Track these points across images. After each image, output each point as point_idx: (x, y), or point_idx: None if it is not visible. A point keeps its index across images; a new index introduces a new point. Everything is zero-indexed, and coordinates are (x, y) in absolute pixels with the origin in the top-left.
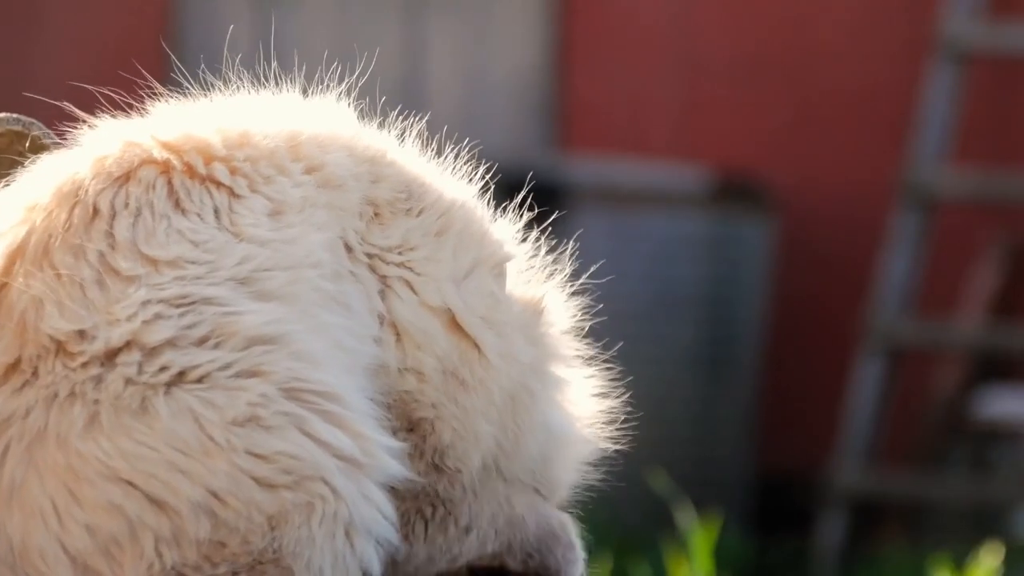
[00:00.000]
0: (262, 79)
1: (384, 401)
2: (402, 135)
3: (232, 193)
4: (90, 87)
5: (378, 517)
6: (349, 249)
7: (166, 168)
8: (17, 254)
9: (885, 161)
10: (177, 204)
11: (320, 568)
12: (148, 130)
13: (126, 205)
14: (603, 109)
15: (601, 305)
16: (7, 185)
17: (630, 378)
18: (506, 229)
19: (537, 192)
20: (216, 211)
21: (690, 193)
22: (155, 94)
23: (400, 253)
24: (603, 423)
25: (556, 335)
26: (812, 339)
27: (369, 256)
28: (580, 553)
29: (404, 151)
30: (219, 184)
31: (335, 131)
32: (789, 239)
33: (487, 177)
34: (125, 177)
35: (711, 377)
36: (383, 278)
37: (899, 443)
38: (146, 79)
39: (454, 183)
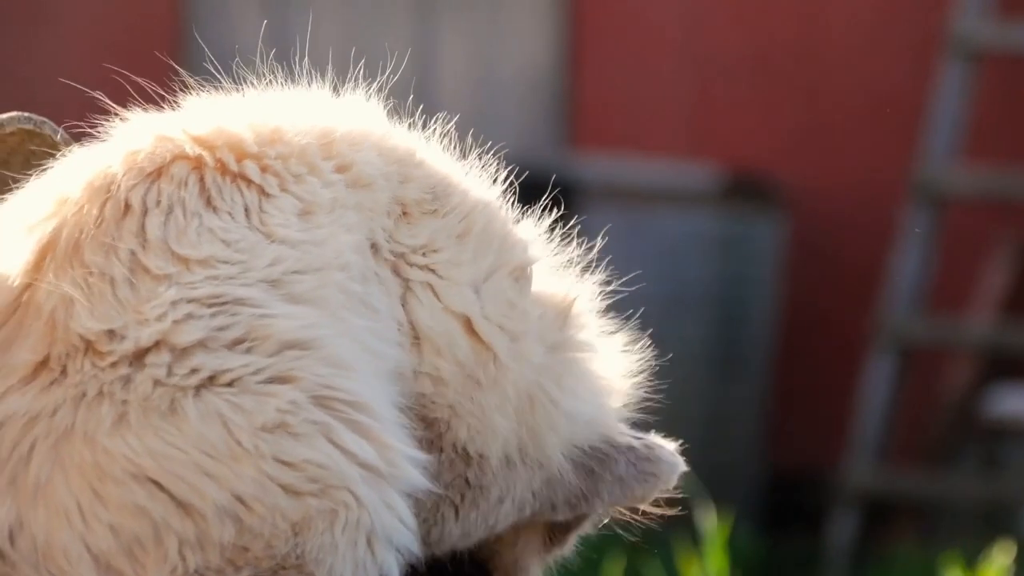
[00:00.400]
0: (273, 78)
1: (403, 403)
2: (424, 135)
3: (263, 192)
4: (99, 91)
5: (399, 526)
6: (376, 250)
7: (198, 164)
8: (47, 250)
9: (896, 160)
10: (209, 202)
11: (341, 575)
12: (180, 124)
13: (158, 202)
14: (614, 108)
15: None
16: (18, 185)
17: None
18: (528, 230)
19: (548, 191)
20: (247, 210)
21: (701, 192)
22: (171, 91)
23: (425, 255)
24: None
25: (584, 336)
26: (823, 338)
27: (395, 255)
28: (647, 448)
29: (431, 151)
30: (250, 182)
31: (366, 129)
32: (800, 237)
33: (505, 177)
34: (157, 173)
35: (722, 376)
36: (406, 281)
37: (910, 442)
38: (157, 78)
39: (477, 184)
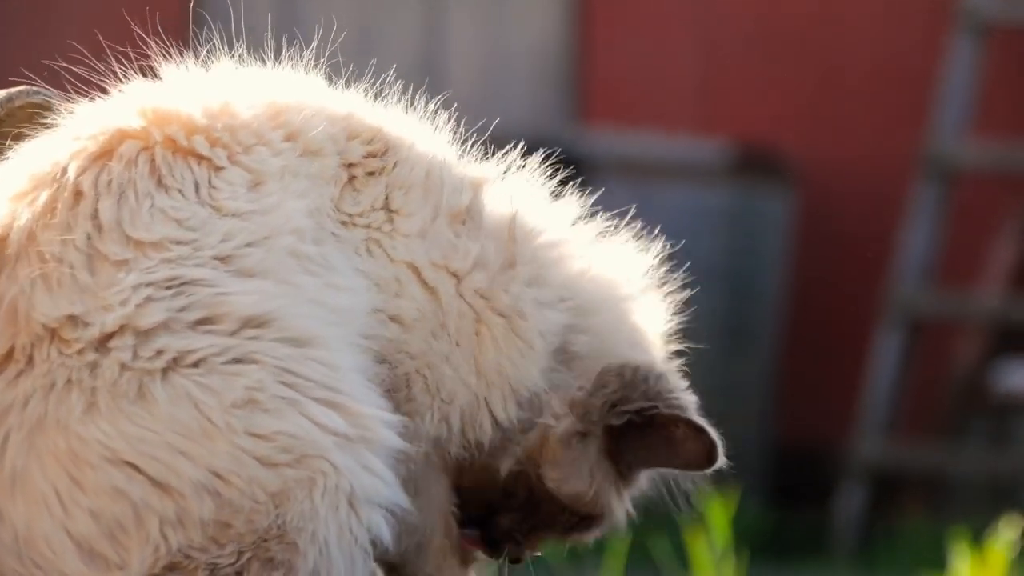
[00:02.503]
0: (282, 56)
1: (372, 365)
2: (424, 110)
3: (212, 165)
4: (104, 68)
5: (380, 485)
6: (329, 212)
7: (147, 142)
8: (3, 242)
9: (905, 134)
10: (160, 182)
11: (325, 539)
12: (126, 105)
13: (108, 184)
14: (623, 82)
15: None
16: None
17: None
18: (472, 169)
19: (558, 165)
20: (196, 186)
21: (710, 166)
22: (171, 55)
23: (374, 210)
24: None
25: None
26: (832, 312)
27: (347, 215)
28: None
29: (374, 109)
30: (200, 157)
31: (312, 96)
32: (809, 212)
33: (516, 151)
34: (106, 154)
35: (731, 350)
36: (361, 238)
37: (919, 416)
38: (163, 58)
39: (424, 132)
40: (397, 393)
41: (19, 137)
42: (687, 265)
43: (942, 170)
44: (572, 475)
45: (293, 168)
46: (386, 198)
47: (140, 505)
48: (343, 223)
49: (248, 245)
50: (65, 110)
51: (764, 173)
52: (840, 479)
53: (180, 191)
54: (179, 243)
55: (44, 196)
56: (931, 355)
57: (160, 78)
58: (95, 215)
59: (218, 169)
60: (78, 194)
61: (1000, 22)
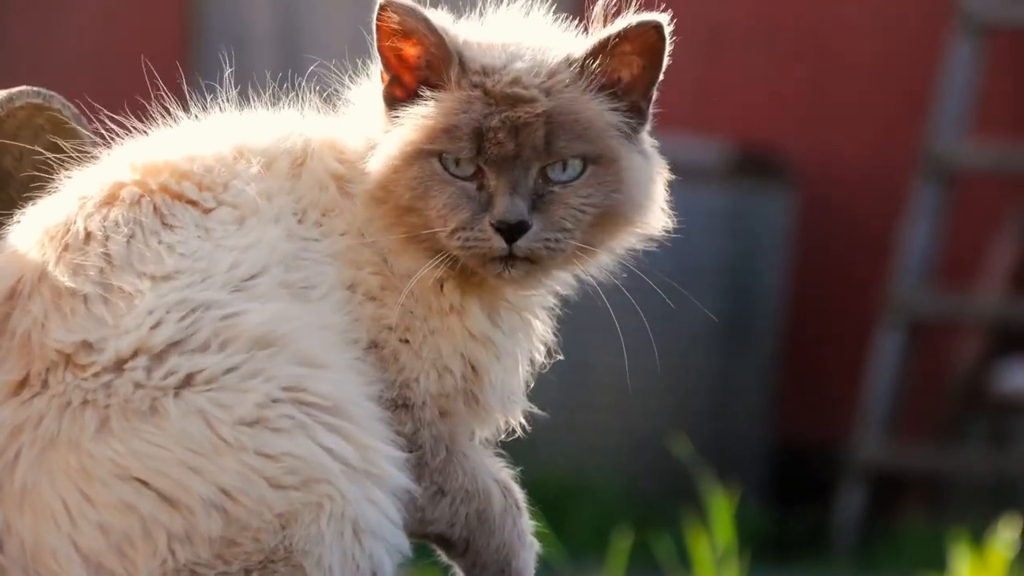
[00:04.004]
0: (281, 65)
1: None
2: None
3: (202, 208)
4: (108, 70)
5: (384, 521)
6: (298, 217)
7: (144, 189)
8: (15, 286)
9: (905, 134)
10: (164, 221)
11: (329, 566)
12: (120, 162)
13: (116, 225)
14: None
15: (624, 276)
16: (27, 158)
17: (651, 350)
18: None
19: None
20: (196, 225)
21: (710, 166)
22: (178, 75)
23: (311, 192)
24: None
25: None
26: (832, 311)
27: (303, 210)
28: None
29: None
30: (191, 201)
31: (261, 122)
32: (809, 211)
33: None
34: (110, 201)
35: (731, 350)
36: (316, 224)
37: (919, 416)
38: (166, 61)
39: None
40: (389, 367)
41: (16, 138)
42: (687, 265)
43: (942, 170)
44: None
45: (265, 190)
46: (309, 194)
47: (149, 520)
48: (300, 222)
49: (253, 277)
50: (68, 114)
51: (764, 174)
52: (840, 479)
53: (183, 228)
54: (189, 272)
55: (54, 242)
56: (931, 355)
57: (151, 126)
58: (106, 252)
59: (207, 211)
60: (88, 236)
61: (999, 22)
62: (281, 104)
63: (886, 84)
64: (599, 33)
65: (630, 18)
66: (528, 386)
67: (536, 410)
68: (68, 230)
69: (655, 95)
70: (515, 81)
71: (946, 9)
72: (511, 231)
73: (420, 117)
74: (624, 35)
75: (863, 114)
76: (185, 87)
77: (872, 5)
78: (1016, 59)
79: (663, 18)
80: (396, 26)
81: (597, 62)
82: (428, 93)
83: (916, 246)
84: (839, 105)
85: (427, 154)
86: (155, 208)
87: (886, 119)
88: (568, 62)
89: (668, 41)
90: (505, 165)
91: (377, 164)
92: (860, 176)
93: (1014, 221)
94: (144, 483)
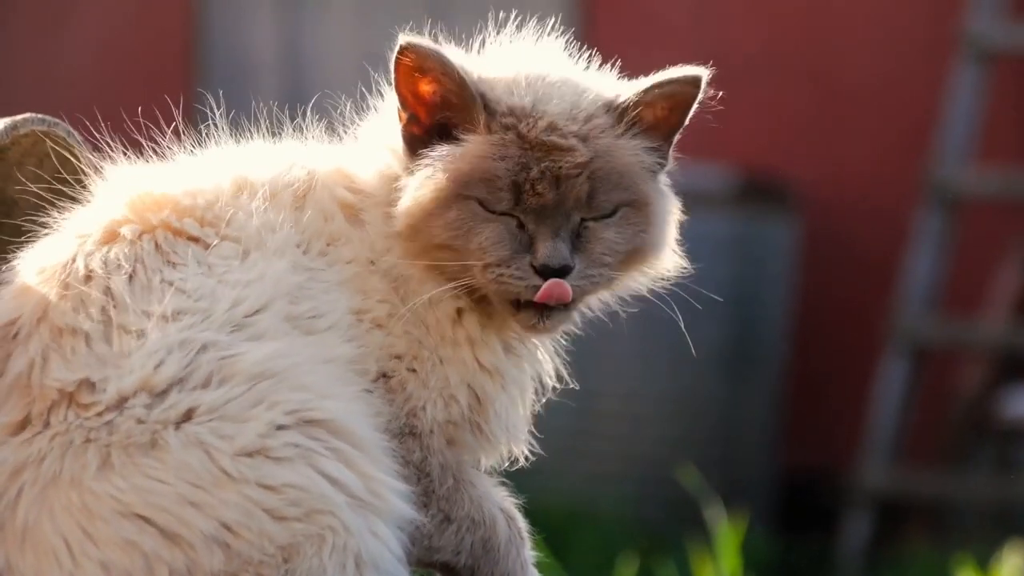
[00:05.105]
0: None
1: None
2: None
3: (204, 244)
4: (112, 95)
5: (386, 554)
6: (303, 247)
7: (145, 226)
8: (12, 325)
9: (909, 161)
10: (166, 259)
11: None
12: (118, 198)
13: (117, 263)
14: None
15: (628, 302)
16: (32, 185)
17: (656, 377)
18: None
19: None
20: (198, 262)
21: (715, 192)
22: (182, 104)
23: (315, 222)
24: None
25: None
26: (837, 338)
27: (308, 239)
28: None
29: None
30: (193, 238)
31: (263, 154)
32: (814, 238)
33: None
34: (110, 239)
35: (736, 376)
36: (320, 253)
37: (923, 443)
38: (170, 83)
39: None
40: (395, 396)
41: (20, 166)
42: (692, 291)
43: (946, 197)
44: None
45: (268, 223)
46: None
47: (151, 556)
48: (305, 252)
49: (256, 312)
50: (73, 141)
51: (769, 200)
52: (845, 506)
53: (185, 265)
54: (191, 312)
55: (54, 282)
56: (936, 382)
57: (153, 155)
58: (107, 290)
59: (209, 247)
60: (89, 274)
61: (1004, 49)
62: (284, 132)
63: (890, 111)
64: (641, 83)
65: (672, 71)
66: (535, 416)
67: (540, 439)
68: (67, 269)
69: (677, 138)
70: (551, 127)
71: (950, 36)
72: (555, 275)
73: (451, 161)
74: (666, 86)
75: (867, 141)
76: (187, 116)
77: (877, 33)
78: (1021, 86)
79: (703, 72)
80: (415, 66)
81: (637, 111)
82: (459, 135)
83: (921, 273)
84: (843, 132)
85: (464, 198)
86: (156, 245)
87: (891, 146)
88: (606, 107)
89: (702, 91)
90: (546, 212)
91: (407, 205)
92: (865, 202)
93: (1018, 248)
94: (145, 519)
